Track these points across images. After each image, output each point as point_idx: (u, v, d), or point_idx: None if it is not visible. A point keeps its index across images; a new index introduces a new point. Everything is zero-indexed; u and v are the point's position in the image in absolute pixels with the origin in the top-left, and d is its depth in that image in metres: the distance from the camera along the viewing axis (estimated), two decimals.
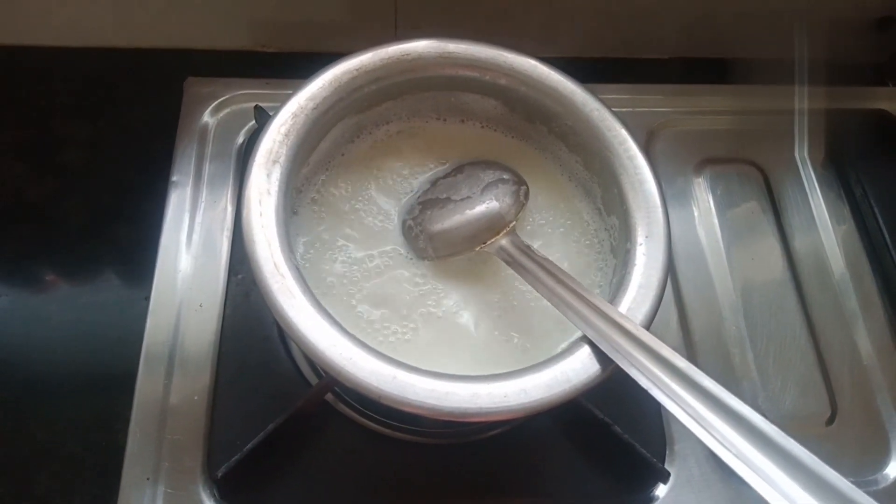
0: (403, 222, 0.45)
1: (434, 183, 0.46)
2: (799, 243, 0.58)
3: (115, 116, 0.61)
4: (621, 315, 0.37)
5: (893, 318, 0.55)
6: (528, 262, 0.40)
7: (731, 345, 0.53)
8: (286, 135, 0.40)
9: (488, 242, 0.43)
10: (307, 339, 0.34)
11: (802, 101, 0.63)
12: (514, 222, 0.43)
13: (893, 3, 0.65)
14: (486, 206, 0.44)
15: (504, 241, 0.42)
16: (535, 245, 0.43)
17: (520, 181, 0.45)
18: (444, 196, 0.45)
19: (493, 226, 0.43)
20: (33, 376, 0.49)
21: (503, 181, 0.45)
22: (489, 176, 0.45)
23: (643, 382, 0.34)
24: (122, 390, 0.47)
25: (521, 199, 0.44)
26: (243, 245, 0.36)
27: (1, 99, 0.61)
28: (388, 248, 0.44)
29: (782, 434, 0.31)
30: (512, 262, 0.41)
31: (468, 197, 0.44)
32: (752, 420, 0.31)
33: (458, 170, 0.47)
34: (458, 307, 0.43)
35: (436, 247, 0.43)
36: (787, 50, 0.62)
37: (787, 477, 0.30)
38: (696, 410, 0.33)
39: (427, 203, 0.45)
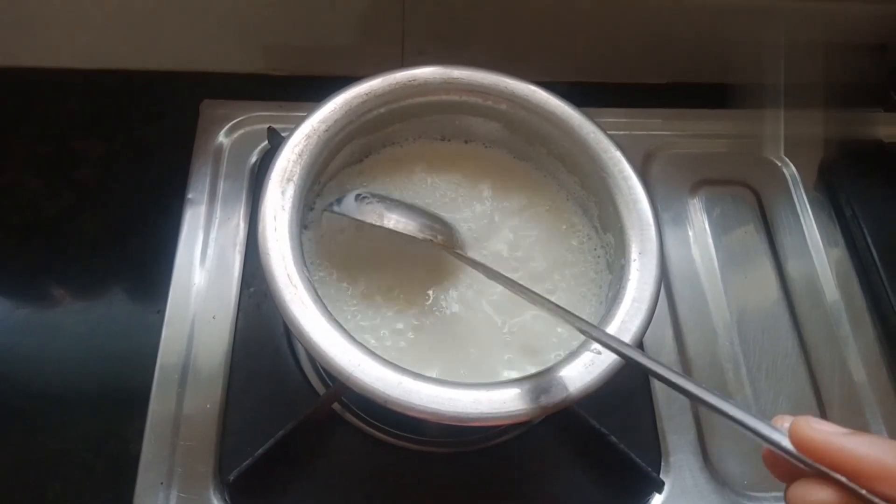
0: (357, 196, 0.45)
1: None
2: (791, 263, 0.60)
3: (130, 136, 0.62)
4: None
5: (882, 335, 0.57)
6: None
7: (724, 360, 0.54)
8: (300, 154, 0.42)
9: (438, 239, 0.43)
10: (318, 347, 0.36)
11: (795, 125, 0.65)
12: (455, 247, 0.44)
13: (887, 31, 0.67)
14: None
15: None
16: (535, 264, 0.45)
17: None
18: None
19: (445, 230, 0.45)
20: (48, 387, 0.50)
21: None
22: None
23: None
24: (135, 401, 0.48)
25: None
26: (259, 258, 0.38)
27: (21, 117, 0.63)
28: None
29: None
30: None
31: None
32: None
33: None
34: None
35: (390, 215, 0.43)
36: (781, 76, 0.64)
37: None
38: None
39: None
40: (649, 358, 0.32)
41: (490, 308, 0.45)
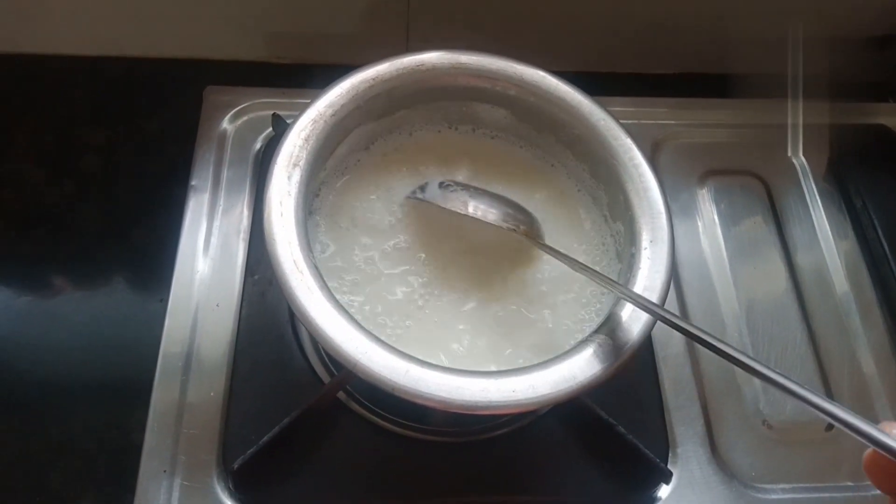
0: (440, 183, 0.45)
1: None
2: (801, 254, 0.59)
3: (133, 123, 0.62)
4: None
5: (892, 327, 0.56)
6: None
7: None
8: (306, 139, 0.41)
9: (520, 229, 0.44)
10: (325, 334, 0.35)
11: (804, 115, 0.64)
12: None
13: (894, 23, 0.67)
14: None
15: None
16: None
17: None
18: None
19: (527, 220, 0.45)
20: (50, 376, 0.50)
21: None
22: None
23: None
24: (136, 390, 0.48)
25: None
26: (264, 243, 0.38)
27: (22, 106, 0.62)
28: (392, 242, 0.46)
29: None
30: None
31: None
32: None
33: None
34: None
35: (474, 203, 0.44)
36: (790, 66, 0.63)
37: None
38: None
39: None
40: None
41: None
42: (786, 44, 0.63)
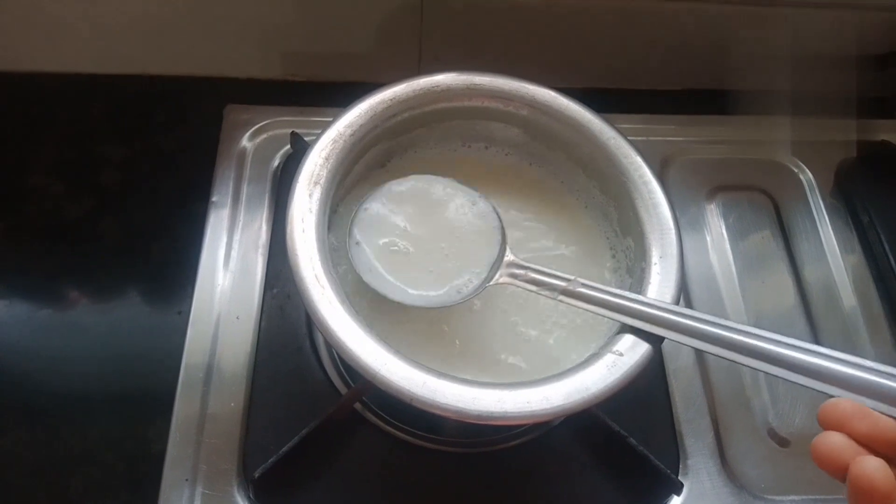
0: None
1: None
2: (808, 269, 0.60)
3: (152, 140, 0.63)
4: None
5: None
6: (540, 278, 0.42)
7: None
8: (326, 158, 0.43)
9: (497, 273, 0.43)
10: (346, 346, 0.37)
11: (809, 131, 0.65)
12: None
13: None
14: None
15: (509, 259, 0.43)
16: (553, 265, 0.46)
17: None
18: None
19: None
20: (72, 387, 0.51)
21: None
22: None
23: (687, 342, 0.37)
24: (156, 401, 0.49)
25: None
26: (287, 258, 0.39)
27: (44, 122, 0.64)
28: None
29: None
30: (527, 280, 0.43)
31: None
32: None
33: None
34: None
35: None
36: (796, 83, 0.64)
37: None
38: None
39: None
40: None
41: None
42: (791, 61, 0.64)
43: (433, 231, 0.45)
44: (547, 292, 0.41)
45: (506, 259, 0.43)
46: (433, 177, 0.46)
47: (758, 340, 0.35)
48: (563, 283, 0.41)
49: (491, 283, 0.43)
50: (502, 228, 0.45)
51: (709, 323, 0.37)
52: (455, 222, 0.45)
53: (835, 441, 0.28)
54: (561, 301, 0.41)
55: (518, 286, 0.42)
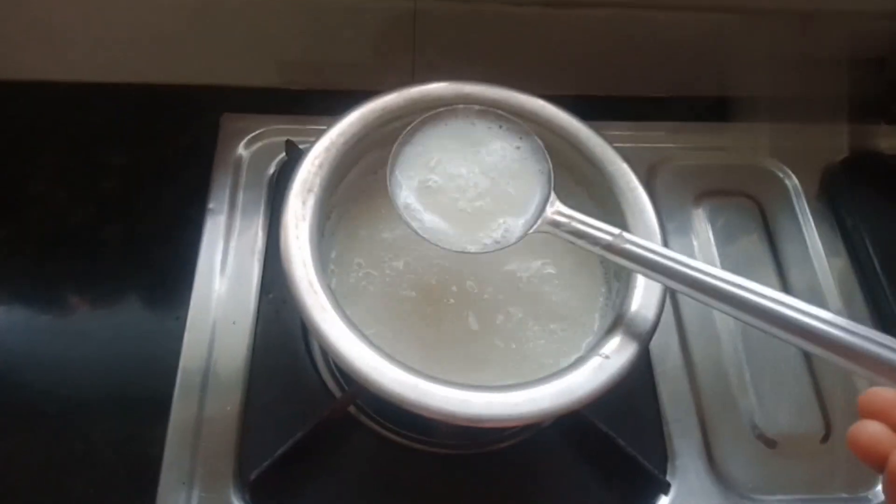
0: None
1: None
2: (794, 273, 0.61)
3: (152, 148, 0.64)
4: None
5: None
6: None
7: (728, 365, 0.56)
8: (319, 166, 0.44)
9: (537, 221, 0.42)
10: (338, 350, 0.38)
11: (796, 137, 0.66)
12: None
13: (887, 44, 0.68)
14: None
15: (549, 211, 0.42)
16: (540, 264, 0.47)
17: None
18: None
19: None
20: (72, 391, 0.51)
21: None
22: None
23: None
24: (155, 404, 0.50)
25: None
26: (281, 265, 0.40)
27: (48, 130, 0.65)
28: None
29: None
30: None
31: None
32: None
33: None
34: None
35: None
36: (782, 89, 0.65)
37: None
38: None
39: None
40: None
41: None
42: (779, 67, 0.65)
43: (471, 172, 0.44)
44: (590, 245, 0.40)
45: (549, 207, 0.42)
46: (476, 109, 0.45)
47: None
48: (608, 238, 0.39)
49: (531, 230, 0.41)
50: (550, 172, 0.43)
51: (769, 299, 0.36)
52: (497, 164, 0.44)
53: (874, 430, 0.28)
54: (603, 255, 0.40)
55: (559, 236, 0.41)
